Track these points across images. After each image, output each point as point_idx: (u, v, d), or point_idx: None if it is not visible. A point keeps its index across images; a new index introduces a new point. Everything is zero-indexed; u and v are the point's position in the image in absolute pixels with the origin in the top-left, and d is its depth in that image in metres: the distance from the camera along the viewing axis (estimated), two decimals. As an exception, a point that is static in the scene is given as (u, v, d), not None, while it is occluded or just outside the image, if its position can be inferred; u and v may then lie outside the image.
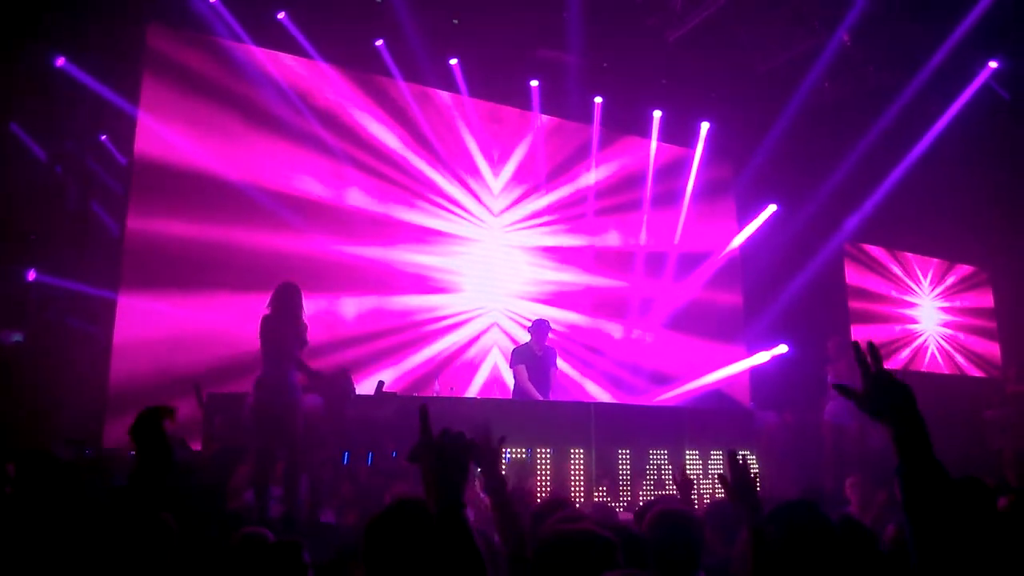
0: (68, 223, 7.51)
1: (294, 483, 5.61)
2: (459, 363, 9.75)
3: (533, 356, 7.84)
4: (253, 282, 7.84)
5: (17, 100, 7.19)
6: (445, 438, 1.79)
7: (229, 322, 7.77)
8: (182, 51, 8.41)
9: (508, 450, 6.72)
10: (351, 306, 9.04)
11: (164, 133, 8.00)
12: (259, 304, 6.30)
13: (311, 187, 9.06)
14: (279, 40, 8.70)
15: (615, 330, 11.09)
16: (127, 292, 7.62)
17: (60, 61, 7.48)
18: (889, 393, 1.75)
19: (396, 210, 9.66)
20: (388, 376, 7.96)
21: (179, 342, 7.65)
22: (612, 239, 11.30)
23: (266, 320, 5.74)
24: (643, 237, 11.41)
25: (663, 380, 10.79)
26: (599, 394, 10.35)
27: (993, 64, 10.18)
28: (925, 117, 10.80)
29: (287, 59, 9.00)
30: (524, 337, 8.61)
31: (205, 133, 8.33)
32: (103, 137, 7.89)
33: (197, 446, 6.13)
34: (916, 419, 1.71)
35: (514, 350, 8.12)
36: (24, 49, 7.17)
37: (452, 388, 8.56)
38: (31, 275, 7.05)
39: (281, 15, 8.59)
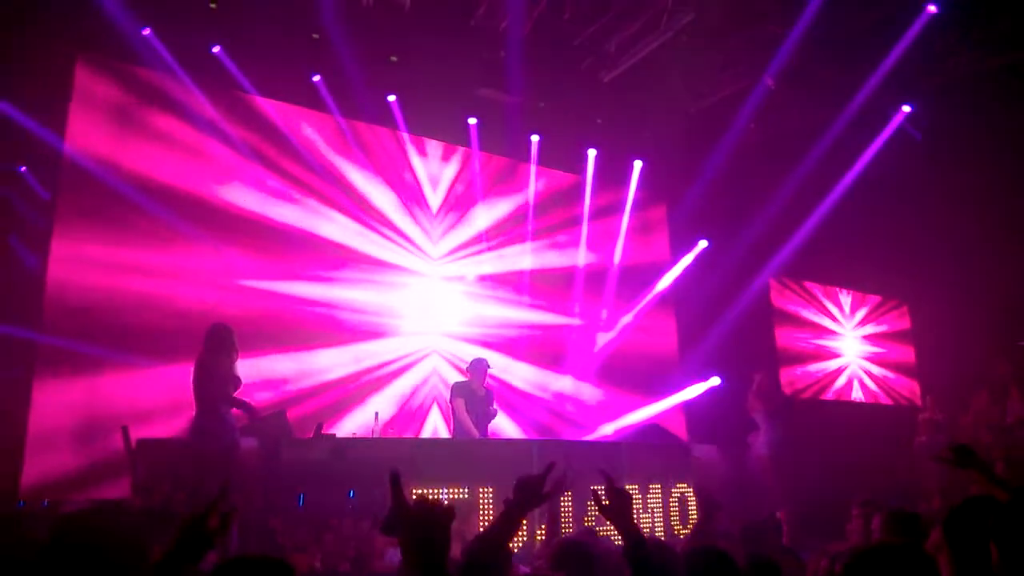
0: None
1: (227, 530, 5.38)
2: (399, 408, 9.49)
3: (473, 394, 7.78)
4: (183, 323, 7.55)
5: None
6: (423, 507, 1.70)
7: (156, 364, 7.41)
8: (113, 83, 8.10)
9: (449, 491, 6.60)
10: (289, 362, 8.65)
11: (91, 166, 7.65)
12: (188, 346, 6.09)
13: (245, 224, 8.73)
14: (214, 74, 8.48)
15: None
16: (49, 332, 7.19)
17: (-18, 92, 7.11)
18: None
19: (334, 233, 9.45)
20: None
21: (103, 384, 7.24)
22: (550, 270, 11.29)
23: (201, 363, 5.56)
24: (581, 255, 11.46)
25: (599, 419, 10.79)
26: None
27: (906, 108, 10.65)
28: (846, 157, 11.20)
29: (223, 93, 8.74)
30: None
31: (135, 167, 8.01)
32: (22, 169, 7.48)
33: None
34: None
35: (454, 384, 8.05)
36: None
37: (392, 430, 8.38)
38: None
39: (216, 49, 8.39)
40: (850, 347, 14.07)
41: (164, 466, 5.58)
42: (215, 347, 5.75)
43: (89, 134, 7.83)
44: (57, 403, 7.09)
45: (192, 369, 5.71)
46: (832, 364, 13.64)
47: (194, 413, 5.62)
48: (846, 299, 14.33)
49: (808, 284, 13.73)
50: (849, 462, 9.76)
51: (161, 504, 5.05)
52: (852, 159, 11.27)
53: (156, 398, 7.14)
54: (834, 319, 14.02)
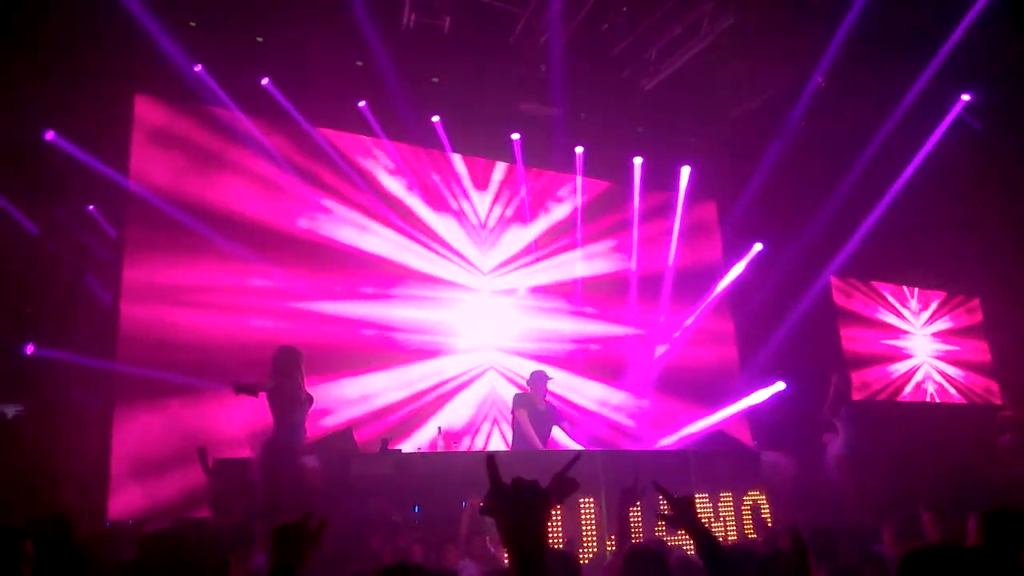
0: (63, 295, 7.48)
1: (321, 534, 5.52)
2: (460, 428, 9.64)
3: (534, 407, 7.77)
4: (251, 347, 7.82)
5: (7, 175, 7.22)
6: (520, 487, 1.70)
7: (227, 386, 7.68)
8: (170, 119, 8.57)
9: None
10: (350, 387, 8.91)
11: (154, 201, 8.07)
12: (257, 369, 6.29)
13: (303, 247, 9.08)
14: (265, 105, 8.85)
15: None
16: (124, 361, 7.57)
17: (50, 135, 7.55)
18: None
19: (388, 251, 9.76)
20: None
21: (179, 408, 7.59)
22: (602, 277, 11.36)
23: (274, 385, 5.76)
24: (633, 264, 11.51)
25: (660, 431, 10.73)
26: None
27: (966, 97, 10.48)
28: (904, 150, 11.06)
29: (273, 122, 9.11)
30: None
31: (195, 198, 8.42)
32: (91, 208, 7.92)
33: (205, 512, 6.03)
34: None
35: (516, 395, 8.00)
36: (13, 124, 7.23)
37: (455, 444, 8.48)
38: (29, 349, 6.99)
39: (265, 81, 8.77)
40: (921, 346, 13.76)
41: (240, 484, 5.77)
42: (281, 369, 5.95)
43: (150, 170, 8.28)
44: (136, 430, 7.46)
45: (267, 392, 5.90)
46: (903, 365, 13.36)
47: (269, 434, 5.81)
48: (913, 296, 14.05)
49: (872, 283, 13.51)
50: (926, 463, 9.54)
51: (238, 520, 5.23)
52: (911, 152, 11.13)
53: (231, 421, 7.43)
54: (902, 317, 13.75)
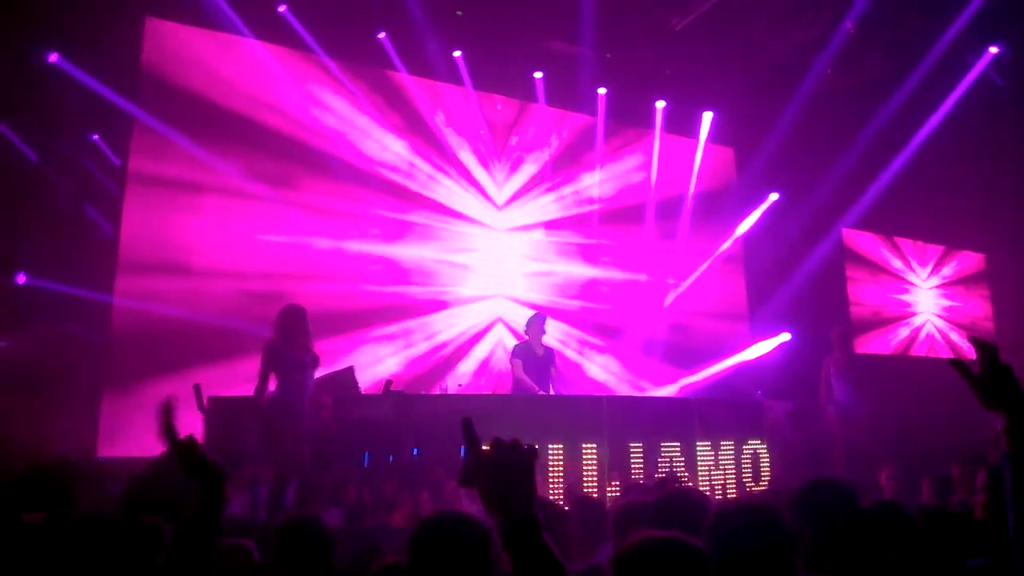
0: (60, 225, 6.89)
1: (282, 488, 5.09)
2: (464, 361, 9.15)
3: (532, 354, 7.25)
4: (255, 280, 7.34)
5: (8, 98, 6.54)
6: (500, 451, 1.38)
7: (229, 322, 7.18)
8: (181, 46, 7.79)
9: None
10: (357, 301, 8.35)
11: (162, 130, 7.36)
12: (262, 304, 5.82)
13: (312, 184, 8.42)
14: (281, 34, 8.10)
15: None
16: (122, 294, 7.02)
17: (54, 57, 6.83)
18: (1006, 383, 1.68)
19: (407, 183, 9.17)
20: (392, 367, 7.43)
21: (177, 344, 7.03)
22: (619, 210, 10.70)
23: (271, 345, 5.23)
24: (651, 196, 10.82)
25: (669, 371, 10.24)
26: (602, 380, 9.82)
27: (993, 50, 9.61)
28: (928, 104, 10.25)
29: (290, 54, 8.39)
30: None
31: (205, 130, 7.68)
32: (95, 136, 7.26)
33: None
34: None
35: (515, 346, 7.54)
36: (15, 45, 6.55)
37: (460, 385, 8.04)
38: (21, 278, 6.44)
39: (282, 8, 8.01)
40: (926, 301, 13.12)
41: (235, 426, 5.35)
42: (282, 330, 5.37)
43: (159, 97, 7.53)
44: (133, 365, 6.92)
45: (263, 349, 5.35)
46: (908, 319, 12.74)
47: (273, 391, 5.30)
48: (923, 252, 13.34)
49: (884, 237, 12.80)
50: (928, 420, 9.05)
51: (228, 460, 4.84)
52: (934, 107, 10.31)
53: (228, 360, 6.94)
54: (912, 271, 13.06)
